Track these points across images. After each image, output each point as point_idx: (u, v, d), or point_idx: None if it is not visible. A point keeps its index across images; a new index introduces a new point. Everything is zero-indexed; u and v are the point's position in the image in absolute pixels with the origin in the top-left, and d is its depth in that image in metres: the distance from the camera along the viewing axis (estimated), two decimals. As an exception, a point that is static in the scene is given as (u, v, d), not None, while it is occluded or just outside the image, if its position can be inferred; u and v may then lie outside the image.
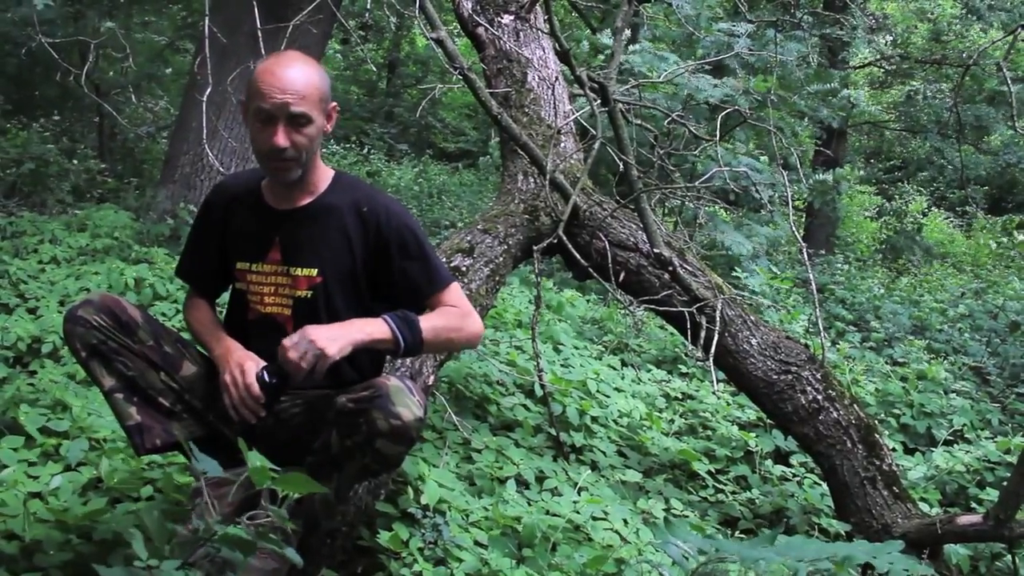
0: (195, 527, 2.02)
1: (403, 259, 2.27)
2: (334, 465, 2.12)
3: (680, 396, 4.96)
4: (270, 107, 2.10)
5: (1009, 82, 3.12)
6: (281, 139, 2.11)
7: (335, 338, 2.05)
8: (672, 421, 4.52)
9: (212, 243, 2.37)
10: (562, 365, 4.69)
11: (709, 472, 3.98)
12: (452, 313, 2.28)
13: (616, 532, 2.98)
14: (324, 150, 13.01)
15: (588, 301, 6.77)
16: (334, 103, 2.24)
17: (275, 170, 2.19)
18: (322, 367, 2.05)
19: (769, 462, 4.25)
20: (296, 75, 2.12)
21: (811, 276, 3.86)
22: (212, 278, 2.43)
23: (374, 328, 2.12)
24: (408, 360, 2.94)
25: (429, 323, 2.21)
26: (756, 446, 4.22)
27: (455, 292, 2.34)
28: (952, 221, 16.44)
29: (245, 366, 2.16)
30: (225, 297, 2.46)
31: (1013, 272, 11.59)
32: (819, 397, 3.55)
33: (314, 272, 2.24)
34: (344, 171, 2.40)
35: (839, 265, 10.72)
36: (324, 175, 2.29)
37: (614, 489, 3.47)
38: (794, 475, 4.13)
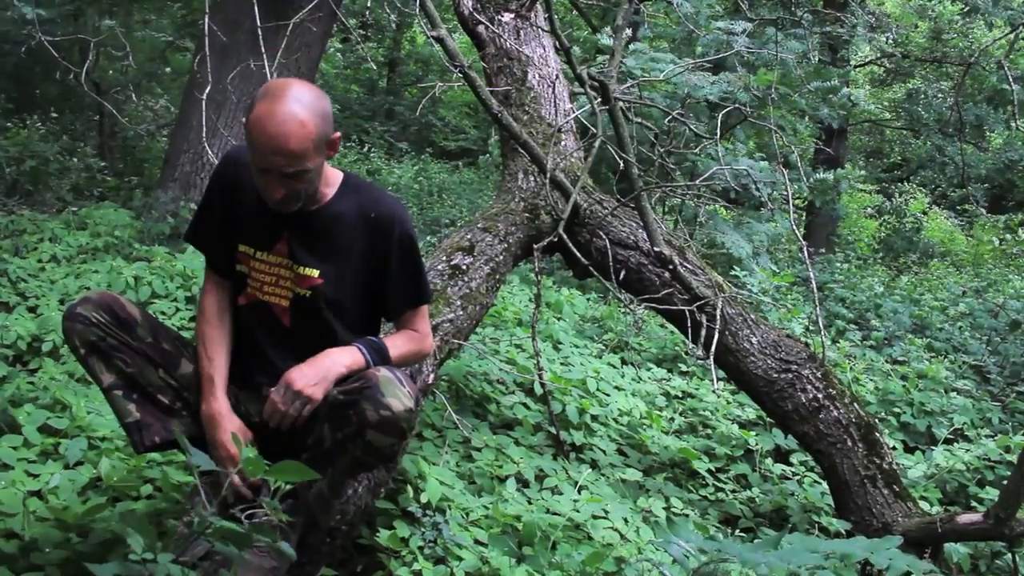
0: (190, 521, 2.02)
1: (398, 271, 2.30)
2: (327, 459, 2.12)
3: (680, 394, 4.96)
4: (264, 167, 2.06)
5: (1011, 80, 3.12)
6: (276, 193, 2.10)
7: (318, 382, 2.11)
8: (672, 419, 4.51)
9: (222, 212, 2.31)
10: (562, 363, 4.69)
11: (709, 471, 3.98)
12: (414, 338, 2.37)
13: (616, 531, 2.98)
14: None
15: (588, 300, 6.77)
16: (336, 133, 2.16)
17: (273, 207, 2.17)
18: (308, 412, 2.11)
19: (769, 461, 4.25)
20: (289, 134, 2.01)
21: (811, 274, 3.85)
22: (221, 248, 2.33)
23: (351, 360, 2.17)
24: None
25: (397, 351, 2.28)
26: (756, 444, 4.22)
27: (424, 312, 2.42)
28: (953, 219, 16.44)
29: (230, 454, 2.18)
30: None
31: (1013, 271, 11.58)
32: (819, 396, 3.55)
33: (316, 274, 2.24)
34: (353, 173, 2.37)
35: (839, 264, 10.71)
36: (332, 180, 2.27)
37: (614, 488, 3.47)
38: (794, 474, 4.13)
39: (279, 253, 2.25)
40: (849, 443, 3.51)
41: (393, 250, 2.27)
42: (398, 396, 2.03)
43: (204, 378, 2.24)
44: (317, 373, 2.12)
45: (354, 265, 2.27)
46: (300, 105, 2.04)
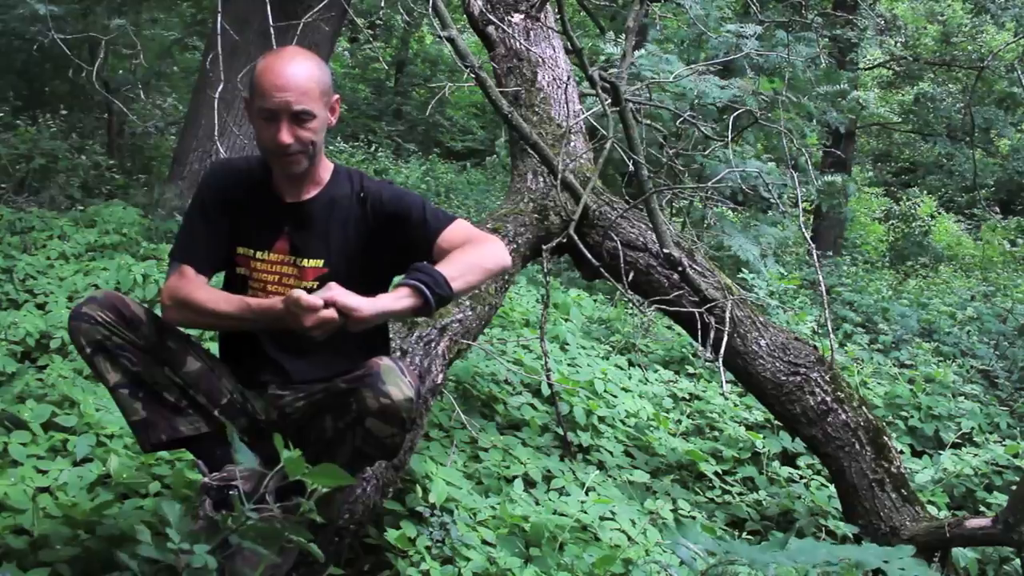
0: (218, 520, 2.02)
1: (405, 224, 2.27)
2: (329, 450, 2.12)
3: (687, 397, 4.95)
4: (272, 106, 2.12)
5: (1023, 83, 3.11)
6: (285, 136, 2.13)
7: (359, 299, 1.99)
8: (679, 422, 4.51)
9: (224, 223, 2.30)
10: (569, 365, 4.68)
11: (716, 473, 3.97)
12: (466, 245, 2.21)
13: (623, 532, 2.97)
14: (331, 147, 13.04)
15: (595, 301, 6.76)
16: (336, 96, 2.25)
17: (283, 164, 2.19)
18: (337, 300, 1.97)
19: (776, 463, 4.24)
20: (296, 72, 2.13)
21: (820, 277, 3.84)
22: (218, 258, 2.32)
23: (393, 297, 2.04)
24: (417, 359, 2.94)
25: (447, 262, 2.13)
26: (763, 447, 4.21)
27: (461, 225, 2.27)
28: (961, 223, 16.39)
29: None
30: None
31: (1022, 275, 11.55)
32: (828, 399, 3.53)
33: (321, 263, 2.26)
34: (341, 164, 2.41)
35: (846, 267, 10.70)
36: (327, 167, 2.32)
37: (621, 489, 3.46)
38: (801, 477, 4.12)
39: (279, 251, 2.26)
40: (857, 447, 3.50)
41: (392, 211, 2.27)
42: (398, 385, 2.04)
43: (244, 306, 2.15)
44: (362, 298, 2.00)
45: (356, 246, 2.28)
46: (303, 54, 2.21)
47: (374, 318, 2.01)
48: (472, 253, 2.19)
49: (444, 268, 2.10)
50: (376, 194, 2.30)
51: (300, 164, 2.19)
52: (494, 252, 2.24)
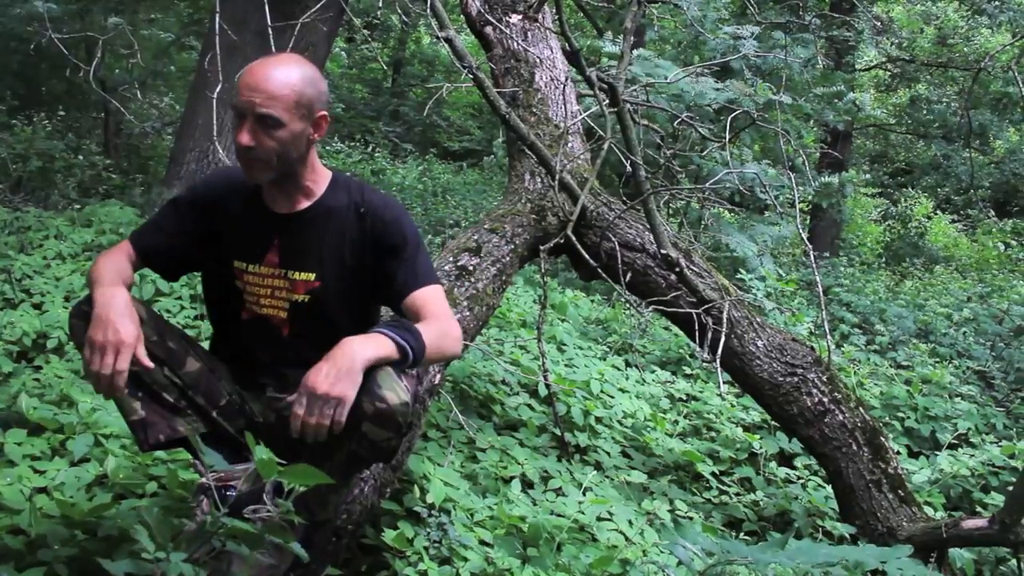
0: (201, 521, 2.01)
1: (391, 258, 2.23)
2: (324, 454, 2.10)
3: (684, 397, 4.96)
4: (238, 103, 2.07)
5: (1022, 86, 3.11)
6: (244, 137, 2.06)
7: (342, 377, 1.90)
8: (676, 422, 4.51)
9: (195, 229, 2.28)
10: (566, 365, 4.68)
11: (713, 474, 3.98)
12: (439, 319, 2.16)
13: (621, 533, 2.97)
14: (328, 147, 13.03)
15: (592, 301, 6.77)
16: (323, 112, 2.16)
17: (243, 167, 2.14)
18: (343, 415, 1.90)
19: (773, 464, 4.25)
20: (272, 76, 2.07)
21: (817, 278, 3.84)
22: (170, 259, 2.31)
23: (376, 345, 1.97)
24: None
25: (426, 330, 2.07)
26: (760, 448, 4.22)
27: (437, 293, 2.23)
28: (957, 223, 16.43)
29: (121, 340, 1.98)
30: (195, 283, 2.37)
31: (1018, 276, 11.57)
32: (825, 400, 3.54)
33: (312, 277, 2.22)
34: (341, 171, 2.37)
35: (843, 268, 10.71)
36: (322, 177, 2.26)
37: (618, 490, 3.46)
38: (798, 477, 4.13)
39: (270, 264, 2.23)
40: (854, 447, 3.50)
41: (383, 238, 2.23)
42: (394, 389, 1.99)
43: (106, 275, 2.11)
44: (339, 368, 1.90)
45: (351, 260, 2.24)
46: (294, 63, 2.13)
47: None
48: (439, 333, 2.13)
49: (424, 331, 2.06)
50: (379, 212, 2.24)
51: (261, 173, 2.13)
52: (454, 341, 2.17)
